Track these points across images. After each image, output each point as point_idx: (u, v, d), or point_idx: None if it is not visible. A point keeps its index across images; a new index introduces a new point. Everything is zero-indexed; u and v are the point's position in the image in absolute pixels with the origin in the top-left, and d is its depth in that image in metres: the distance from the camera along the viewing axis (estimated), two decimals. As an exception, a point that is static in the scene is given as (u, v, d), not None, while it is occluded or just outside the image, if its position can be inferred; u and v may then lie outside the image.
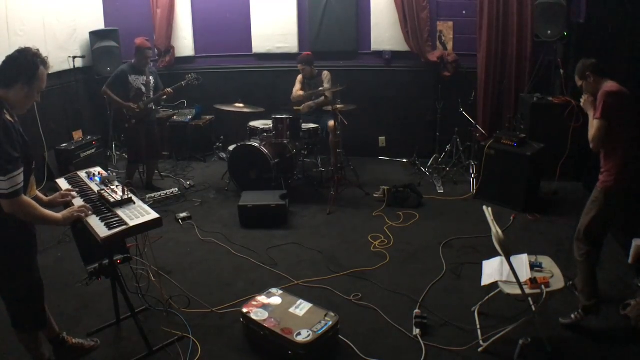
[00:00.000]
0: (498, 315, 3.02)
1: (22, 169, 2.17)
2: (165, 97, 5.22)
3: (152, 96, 5.15)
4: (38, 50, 2.30)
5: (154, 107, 5.37)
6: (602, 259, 3.21)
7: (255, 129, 5.42)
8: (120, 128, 5.31)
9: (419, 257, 3.89)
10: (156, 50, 6.50)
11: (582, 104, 3.00)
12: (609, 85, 2.81)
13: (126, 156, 5.49)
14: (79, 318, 3.15)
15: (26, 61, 2.23)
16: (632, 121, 2.82)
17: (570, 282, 3.25)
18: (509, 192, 4.65)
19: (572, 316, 2.94)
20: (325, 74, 5.51)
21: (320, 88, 5.32)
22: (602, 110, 2.74)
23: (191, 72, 5.49)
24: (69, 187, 2.93)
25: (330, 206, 4.77)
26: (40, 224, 2.41)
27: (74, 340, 2.79)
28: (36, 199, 2.65)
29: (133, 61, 5.07)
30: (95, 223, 2.46)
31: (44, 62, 2.30)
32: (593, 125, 2.81)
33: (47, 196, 2.71)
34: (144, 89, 5.09)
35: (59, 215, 2.43)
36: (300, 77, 5.70)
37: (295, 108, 5.58)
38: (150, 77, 5.16)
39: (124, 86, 5.01)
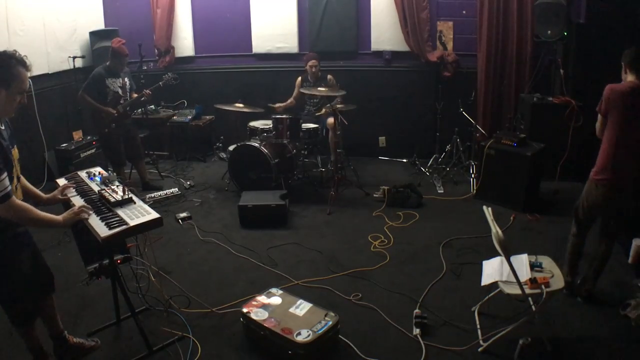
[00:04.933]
0: (498, 315, 3.03)
1: (6, 174, 2.18)
2: (144, 99, 5.12)
3: (128, 99, 5.03)
4: (15, 51, 2.24)
5: (132, 111, 5.25)
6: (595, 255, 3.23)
7: (255, 129, 5.42)
8: (99, 133, 5.14)
9: (419, 257, 3.89)
10: (156, 50, 6.50)
11: None
12: (621, 84, 2.90)
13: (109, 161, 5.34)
14: (79, 318, 3.15)
15: (0, 65, 2.17)
16: (627, 122, 2.84)
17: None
18: (509, 192, 4.65)
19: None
20: (330, 78, 5.50)
21: (320, 88, 5.31)
22: (600, 104, 2.91)
23: (168, 72, 5.44)
24: (66, 182, 2.94)
25: (330, 206, 4.77)
26: (40, 227, 2.40)
27: (74, 340, 2.79)
28: (35, 196, 2.66)
29: (108, 63, 4.91)
30: (96, 223, 2.46)
31: (21, 62, 2.23)
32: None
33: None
34: (120, 92, 4.96)
35: (59, 217, 2.42)
36: (299, 80, 5.69)
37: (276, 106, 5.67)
38: (126, 79, 5.02)
39: (101, 90, 4.84)
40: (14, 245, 2.37)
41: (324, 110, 5.40)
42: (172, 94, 6.40)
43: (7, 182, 2.18)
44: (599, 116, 2.94)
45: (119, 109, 4.94)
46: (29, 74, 2.28)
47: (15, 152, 2.36)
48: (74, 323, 3.06)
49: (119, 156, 5.15)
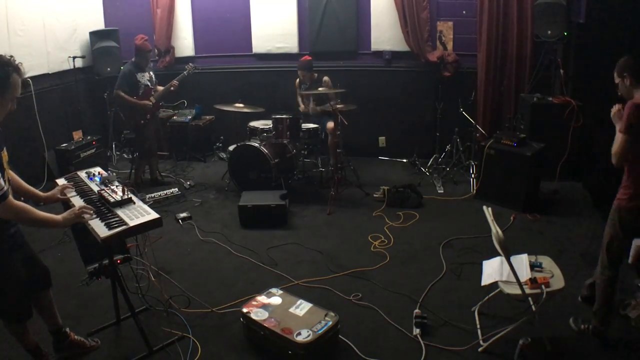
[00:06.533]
0: (498, 315, 3.02)
1: (0, 175, 2.19)
2: (172, 89, 5.34)
3: (156, 90, 5.34)
4: (11, 57, 2.25)
5: (161, 101, 5.56)
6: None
7: (255, 129, 5.42)
8: (136, 127, 5.34)
9: (419, 257, 3.89)
10: (156, 50, 6.50)
11: (611, 115, 2.67)
12: None
13: (135, 154, 5.56)
14: (79, 318, 3.14)
15: None
16: None
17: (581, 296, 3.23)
18: (509, 192, 4.65)
19: (582, 327, 2.90)
20: (326, 80, 5.47)
21: (320, 89, 5.30)
22: (626, 123, 2.50)
23: (189, 62, 5.58)
24: (65, 183, 2.94)
25: (330, 206, 4.77)
26: (39, 227, 2.40)
27: (76, 337, 2.81)
28: (34, 196, 2.66)
29: (134, 60, 5.19)
30: (95, 223, 2.46)
31: (16, 69, 2.24)
32: (617, 138, 2.57)
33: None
34: (150, 84, 5.27)
35: (58, 217, 2.42)
36: (297, 82, 5.69)
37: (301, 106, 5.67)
38: (151, 73, 5.34)
39: (134, 85, 5.15)
40: (6, 247, 2.38)
41: (319, 109, 5.39)
42: (173, 93, 6.39)
43: (2, 182, 2.19)
44: (621, 137, 2.54)
45: (152, 100, 5.24)
46: (27, 75, 2.28)
47: (4, 154, 2.35)
48: (74, 323, 3.05)
49: (153, 145, 5.40)
